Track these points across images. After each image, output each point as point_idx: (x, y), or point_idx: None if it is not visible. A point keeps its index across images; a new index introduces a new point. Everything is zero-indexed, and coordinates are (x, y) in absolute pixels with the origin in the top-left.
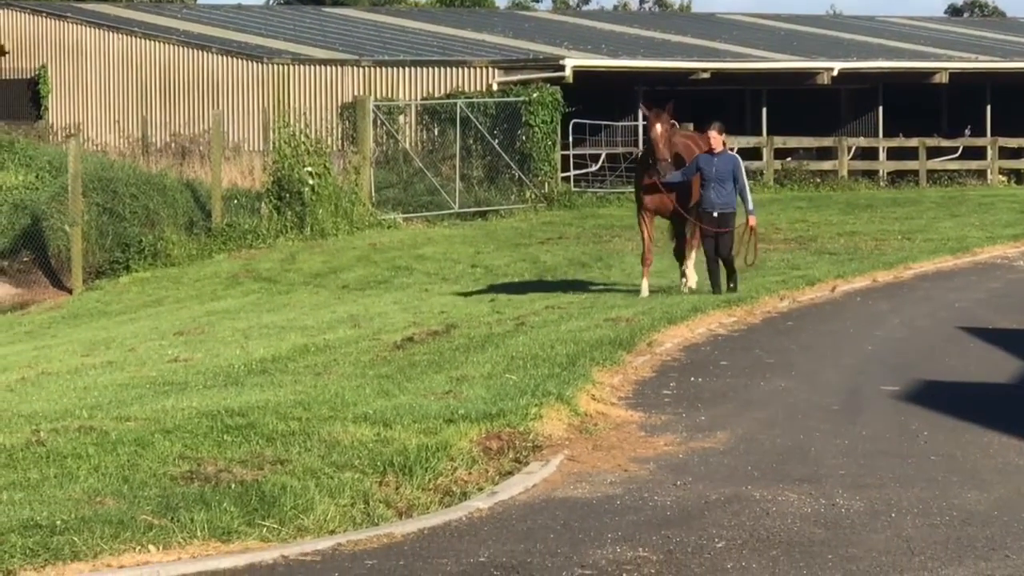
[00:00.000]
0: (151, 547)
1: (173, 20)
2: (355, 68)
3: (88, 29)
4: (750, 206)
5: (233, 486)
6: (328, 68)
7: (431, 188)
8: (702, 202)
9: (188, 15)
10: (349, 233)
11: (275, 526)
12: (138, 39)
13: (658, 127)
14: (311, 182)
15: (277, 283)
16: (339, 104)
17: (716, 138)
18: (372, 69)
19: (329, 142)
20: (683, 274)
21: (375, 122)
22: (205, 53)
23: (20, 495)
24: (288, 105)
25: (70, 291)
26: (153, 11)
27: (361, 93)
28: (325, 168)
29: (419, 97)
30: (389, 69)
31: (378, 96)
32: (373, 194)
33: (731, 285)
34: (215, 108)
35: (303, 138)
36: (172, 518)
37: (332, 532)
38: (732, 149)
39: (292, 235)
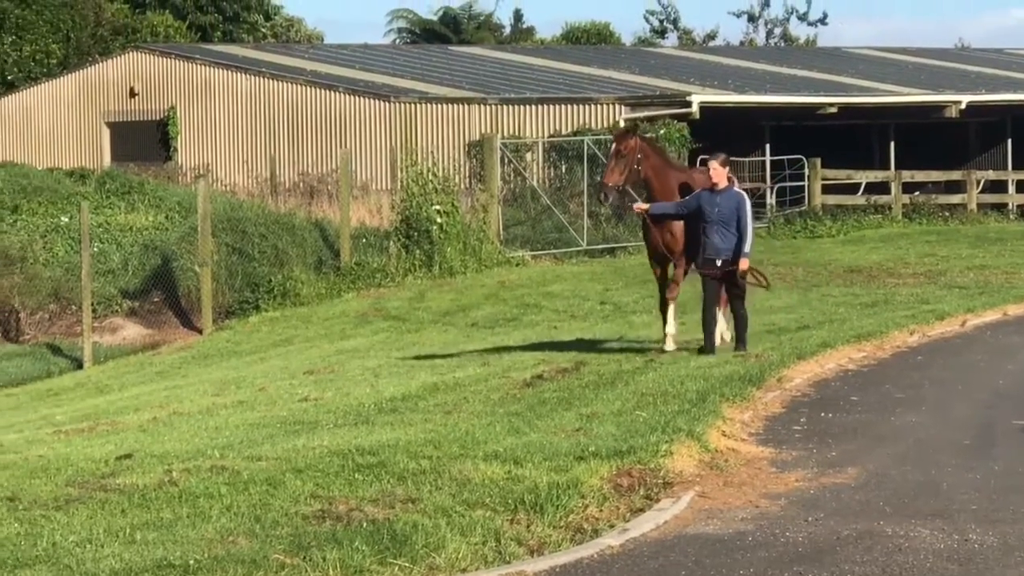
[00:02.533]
0: None
1: (300, 60)
2: (482, 106)
3: (216, 70)
4: (746, 248)
5: (365, 525)
6: (455, 106)
7: (559, 225)
8: (705, 249)
9: (315, 55)
10: (477, 271)
11: (407, 564)
12: (266, 79)
13: (612, 146)
14: (439, 220)
15: (406, 321)
16: (466, 142)
17: (718, 171)
18: (499, 107)
19: (456, 180)
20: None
21: (502, 160)
22: (333, 92)
23: (153, 535)
24: (415, 143)
25: (200, 331)
26: (281, 51)
27: (488, 131)
28: (453, 206)
29: (546, 134)
30: (516, 107)
31: (505, 134)
32: (501, 232)
33: (737, 344)
34: (343, 147)
35: (431, 176)
36: (304, 557)
37: (464, 570)
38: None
39: (420, 273)
